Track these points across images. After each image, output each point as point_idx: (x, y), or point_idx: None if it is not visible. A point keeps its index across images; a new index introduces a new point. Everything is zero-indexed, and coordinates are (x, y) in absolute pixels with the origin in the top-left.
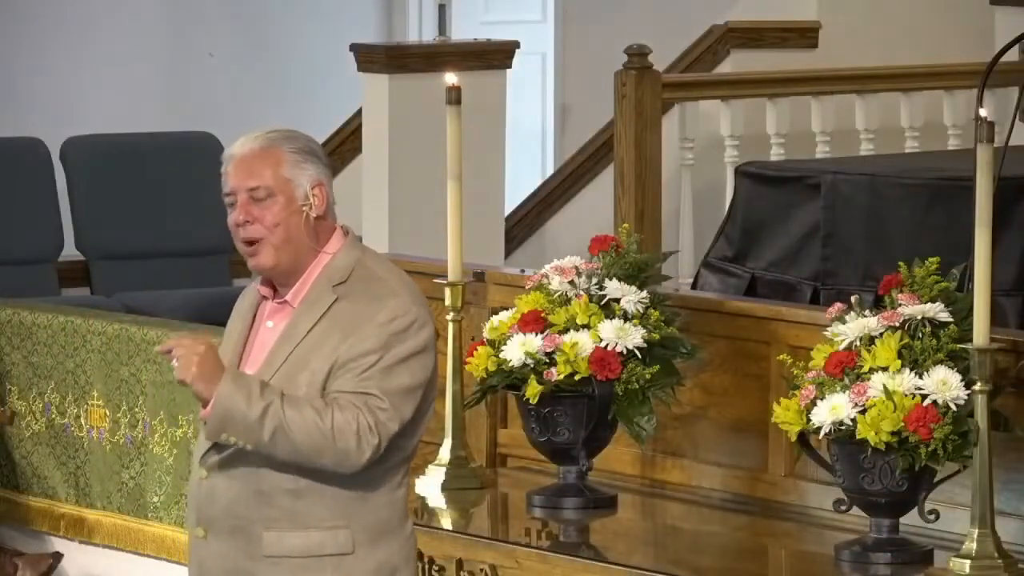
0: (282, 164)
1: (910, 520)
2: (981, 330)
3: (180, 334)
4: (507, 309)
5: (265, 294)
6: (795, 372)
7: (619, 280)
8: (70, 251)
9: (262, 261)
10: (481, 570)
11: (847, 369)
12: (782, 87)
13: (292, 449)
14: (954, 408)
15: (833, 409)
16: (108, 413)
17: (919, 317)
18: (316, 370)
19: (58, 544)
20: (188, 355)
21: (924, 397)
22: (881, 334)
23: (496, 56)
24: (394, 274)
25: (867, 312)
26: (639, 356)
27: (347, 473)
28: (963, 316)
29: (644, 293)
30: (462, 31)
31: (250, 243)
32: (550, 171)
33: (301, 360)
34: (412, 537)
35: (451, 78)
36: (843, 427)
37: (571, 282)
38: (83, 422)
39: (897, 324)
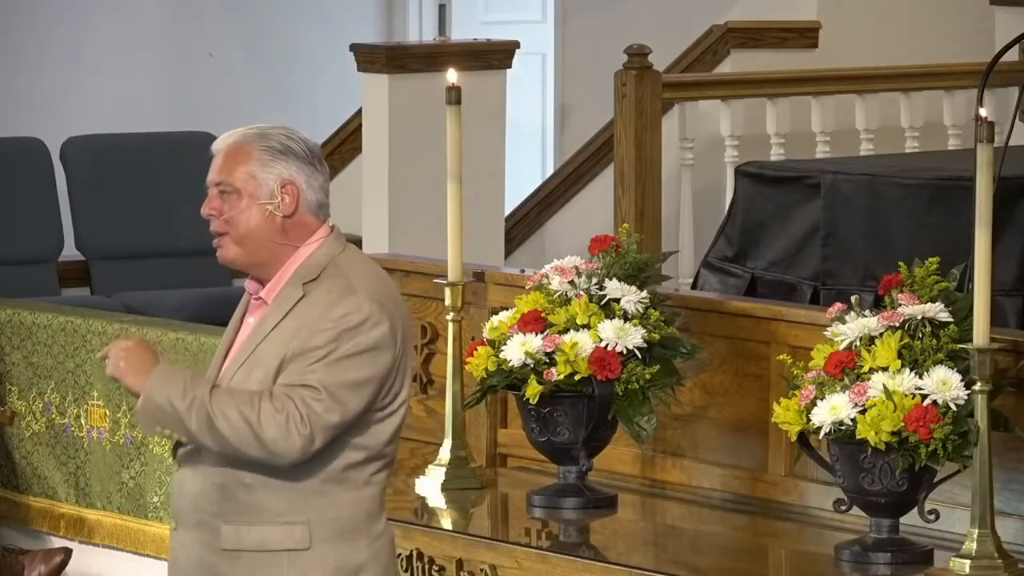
0: (249, 162)
1: (910, 520)
2: (981, 330)
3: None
4: (507, 309)
5: (251, 291)
6: (795, 372)
7: (619, 280)
8: (70, 251)
9: (222, 254)
10: (481, 570)
11: (847, 369)
12: (782, 87)
13: (220, 439)
14: (954, 408)
15: (833, 409)
16: (108, 413)
17: (919, 317)
18: (268, 365)
19: (58, 544)
20: (117, 351)
21: (924, 397)
22: (881, 334)
23: (496, 56)
24: (361, 273)
25: (867, 312)
26: (639, 356)
27: (283, 464)
28: (963, 316)
29: (644, 293)
30: (462, 31)
31: (215, 236)
32: (550, 171)
33: (259, 356)
34: (384, 536)
35: (452, 76)
36: (843, 427)
37: (571, 282)
38: (83, 422)
39: (897, 324)
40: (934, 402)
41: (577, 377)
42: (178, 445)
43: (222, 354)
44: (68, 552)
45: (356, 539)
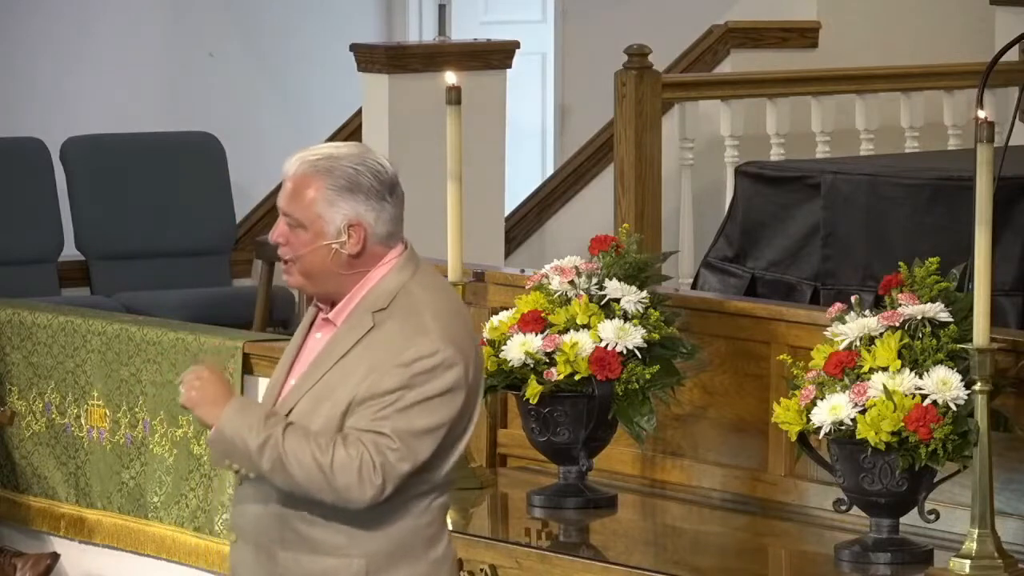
0: (316, 200)
1: (910, 520)
2: (981, 330)
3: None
4: (507, 309)
5: (319, 305)
6: (795, 372)
7: (619, 280)
8: (70, 251)
9: (290, 280)
10: (481, 570)
11: (847, 369)
12: (782, 87)
13: (290, 481)
14: (954, 408)
15: (833, 409)
16: (108, 413)
17: (919, 317)
18: (337, 402)
19: (58, 544)
20: (191, 380)
21: (924, 397)
22: (881, 334)
23: (496, 56)
24: (435, 307)
25: (867, 312)
26: (639, 356)
27: (352, 509)
28: (963, 316)
29: (644, 293)
30: (462, 31)
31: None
32: (550, 171)
33: (329, 387)
34: (444, 559)
35: (451, 78)
36: (843, 427)
37: (571, 282)
38: (83, 422)
39: (897, 324)
40: (934, 402)
41: (577, 377)
42: None
43: (287, 365)
44: (55, 556)
45: (414, 566)
